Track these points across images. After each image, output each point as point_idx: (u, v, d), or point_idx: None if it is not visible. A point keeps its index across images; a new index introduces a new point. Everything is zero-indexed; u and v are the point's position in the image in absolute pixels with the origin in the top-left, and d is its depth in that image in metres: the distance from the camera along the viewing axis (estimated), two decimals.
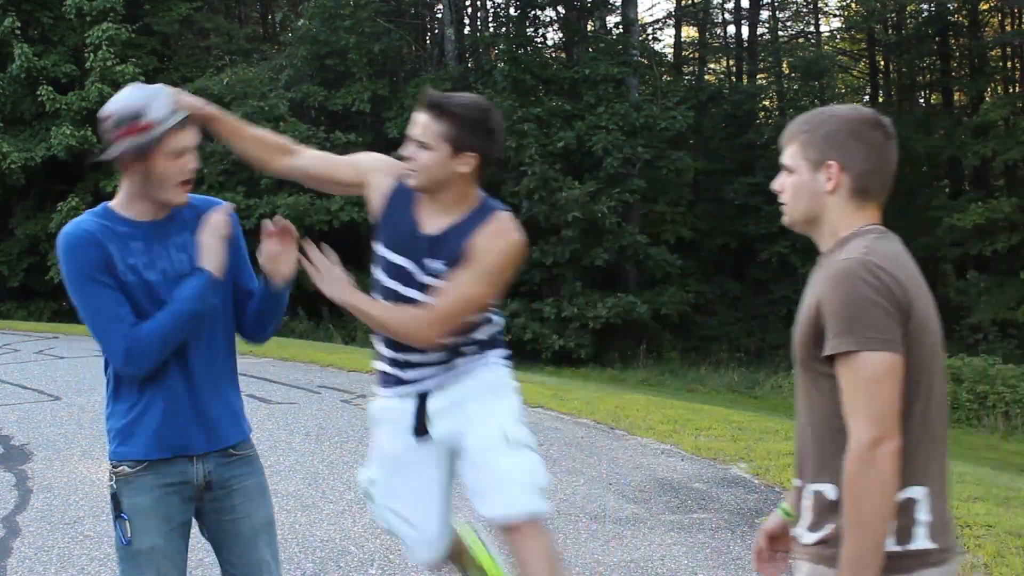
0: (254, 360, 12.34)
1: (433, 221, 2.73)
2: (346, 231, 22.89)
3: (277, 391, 9.58)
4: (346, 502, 5.47)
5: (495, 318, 2.85)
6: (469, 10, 28.92)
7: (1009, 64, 30.01)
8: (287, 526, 4.99)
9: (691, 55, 34.19)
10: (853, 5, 32.29)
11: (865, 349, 1.68)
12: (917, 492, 1.81)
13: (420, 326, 2.66)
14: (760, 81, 29.31)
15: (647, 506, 5.39)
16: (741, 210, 24.90)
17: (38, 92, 22.56)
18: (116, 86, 22.29)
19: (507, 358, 2.90)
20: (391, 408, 2.91)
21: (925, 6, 29.84)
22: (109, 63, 22.26)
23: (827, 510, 1.81)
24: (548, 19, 27.06)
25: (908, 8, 30.40)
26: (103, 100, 21.10)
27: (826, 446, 1.80)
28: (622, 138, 21.41)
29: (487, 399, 2.78)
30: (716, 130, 27.13)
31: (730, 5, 32.34)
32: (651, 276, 23.09)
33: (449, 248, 2.69)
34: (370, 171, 2.85)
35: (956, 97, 30.71)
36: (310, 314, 22.33)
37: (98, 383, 10.54)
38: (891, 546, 1.76)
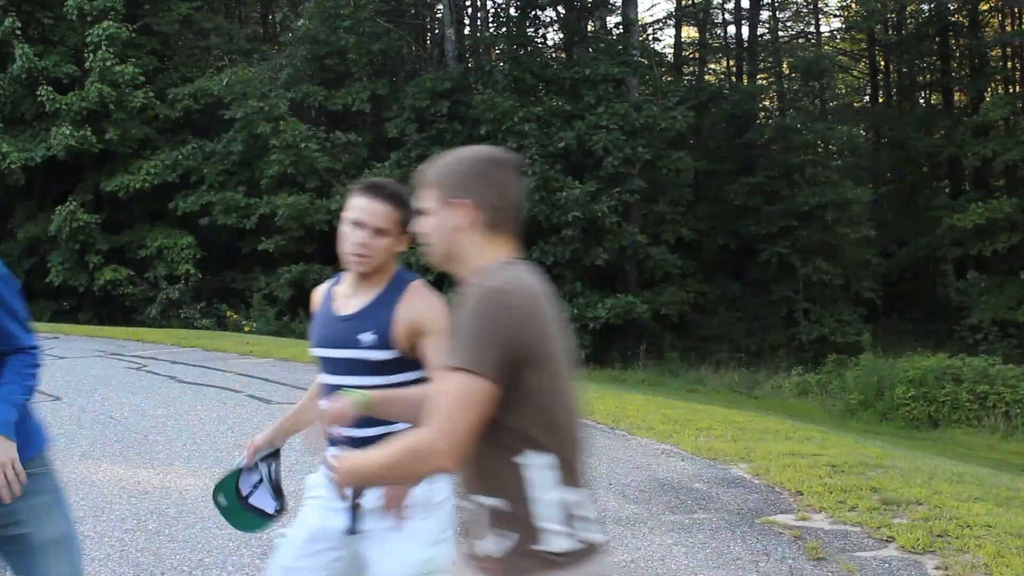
0: (254, 360, 12.34)
1: (347, 303, 2.72)
2: None
3: (277, 391, 9.58)
4: None
5: None
6: (469, 10, 28.91)
7: (1009, 64, 30.01)
8: (287, 526, 4.99)
9: (691, 55, 34.20)
10: (853, 5, 32.31)
11: (462, 369, 1.79)
12: (577, 494, 1.97)
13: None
14: (760, 81, 29.31)
15: (647, 506, 5.39)
16: (741, 210, 24.90)
17: (38, 92, 22.55)
18: (116, 86, 22.42)
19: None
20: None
21: (925, 6, 29.85)
22: (109, 63, 22.25)
23: (504, 522, 1.91)
24: (548, 19, 27.07)
25: (908, 8, 30.42)
26: (103, 100, 21.07)
27: (486, 457, 1.89)
28: (622, 138, 21.40)
29: (410, 525, 2.62)
30: (716, 130, 27.14)
31: (730, 5, 32.36)
32: (651, 276, 23.08)
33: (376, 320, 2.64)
34: None
35: (956, 97, 30.71)
36: (309, 315, 22.32)
37: (99, 383, 10.57)
38: (560, 546, 1.90)
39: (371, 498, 2.66)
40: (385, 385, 2.56)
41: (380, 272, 2.71)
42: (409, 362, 2.63)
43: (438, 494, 2.65)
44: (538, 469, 1.90)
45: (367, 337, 2.64)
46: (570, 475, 1.96)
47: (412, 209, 2.52)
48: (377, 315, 2.65)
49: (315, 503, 2.81)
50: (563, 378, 1.93)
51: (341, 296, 2.76)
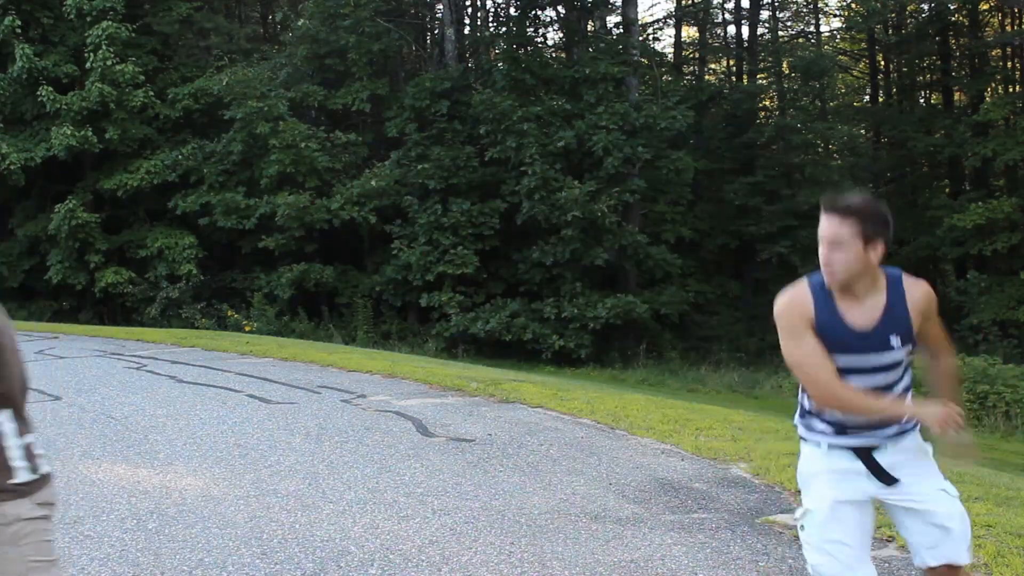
0: (254, 360, 12.35)
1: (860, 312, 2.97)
2: (346, 230, 22.91)
3: (277, 391, 9.58)
4: (346, 502, 5.47)
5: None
6: (469, 10, 28.91)
7: (1009, 64, 30.01)
8: (287, 526, 4.99)
9: (691, 55, 34.20)
10: (853, 5, 32.30)
11: None
12: (31, 438, 2.47)
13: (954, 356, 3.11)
14: (760, 81, 29.30)
15: (647, 506, 5.39)
16: (741, 210, 24.90)
17: (38, 92, 22.55)
18: (117, 86, 22.42)
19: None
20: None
21: (925, 6, 29.85)
22: (109, 62, 22.26)
23: None
24: (548, 19, 27.09)
25: (908, 8, 30.41)
26: (104, 100, 21.07)
27: None
28: (622, 138, 21.40)
29: (925, 460, 3.03)
30: (716, 130, 27.14)
31: (730, 5, 32.36)
32: (651, 276, 23.08)
33: (894, 324, 2.91)
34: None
35: (956, 97, 30.70)
36: (310, 314, 22.34)
37: (99, 383, 10.57)
38: (24, 478, 2.38)
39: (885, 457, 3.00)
40: (901, 374, 2.96)
41: (874, 279, 2.92)
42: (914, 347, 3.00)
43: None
44: (6, 422, 2.45)
45: (897, 341, 2.92)
46: (24, 424, 2.48)
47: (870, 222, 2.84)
48: (898, 318, 2.92)
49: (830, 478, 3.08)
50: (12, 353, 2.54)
51: (848, 309, 2.93)
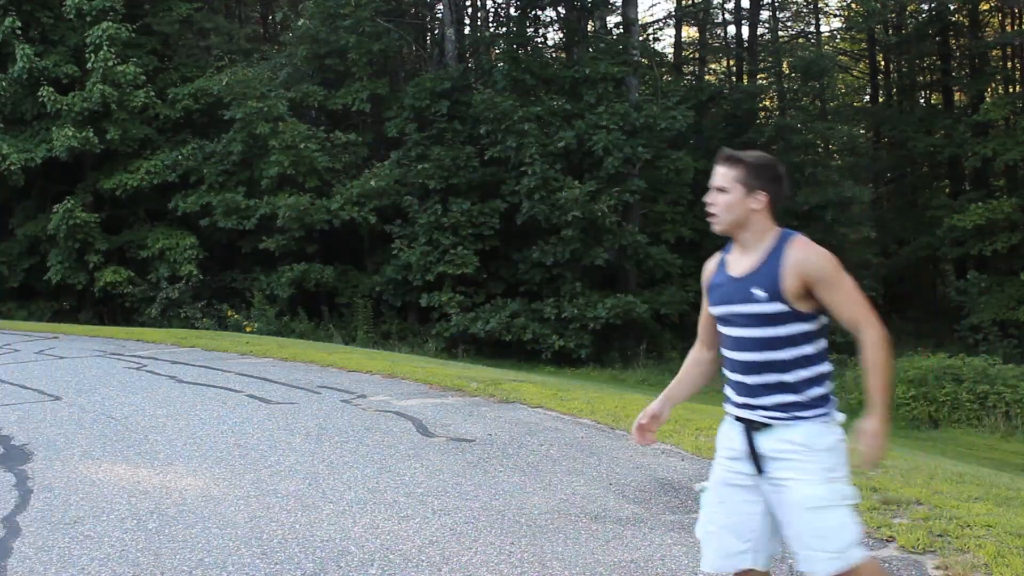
0: (254, 360, 12.35)
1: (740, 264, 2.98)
2: (346, 230, 22.90)
3: (277, 391, 9.58)
4: (346, 502, 5.47)
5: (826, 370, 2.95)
6: (469, 10, 28.92)
7: (1009, 64, 30.03)
8: (287, 526, 4.99)
9: (691, 55, 34.22)
10: (853, 5, 32.31)
11: None
12: None
13: (879, 338, 2.84)
14: (760, 81, 29.32)
15: (647, 506, 5.39)
16: None
17: (39, 93, 22.55)
18: (118, 86, 22.42)
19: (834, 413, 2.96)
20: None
21: (925, 6, 29.86)
22: (111, 63, 22.26)
23: None
24: (548, 19, 27.10)
25: (908, 8, 30.43)
26: (105, 101, 21.07)
27: None
28: (622, 138, 21.40)
29: (809, 462, 2.87)
30: (716, 130, 27.13)
31: (730, 5, 32.40)
32: (651, 276, 23.08)
33: (762, 278, 2.88)
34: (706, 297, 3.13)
35: (956, 97, 30.72)
36: (310, 314, 22.33)
37: (99, 383, 10.56)
38: None
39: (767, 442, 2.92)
40: (778, 336, 2.86)
41: (759, 232, 2.93)
42: (800, 314, 2.86)
43: (829, 437, 2.89)
44: None
45: (759, 293, 2.88)
46: None
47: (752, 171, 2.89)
48: (767, 272, 2.88)
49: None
50: None
51: (733, 261, 3.01)
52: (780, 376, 2.86)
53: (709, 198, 2.97)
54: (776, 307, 2.83)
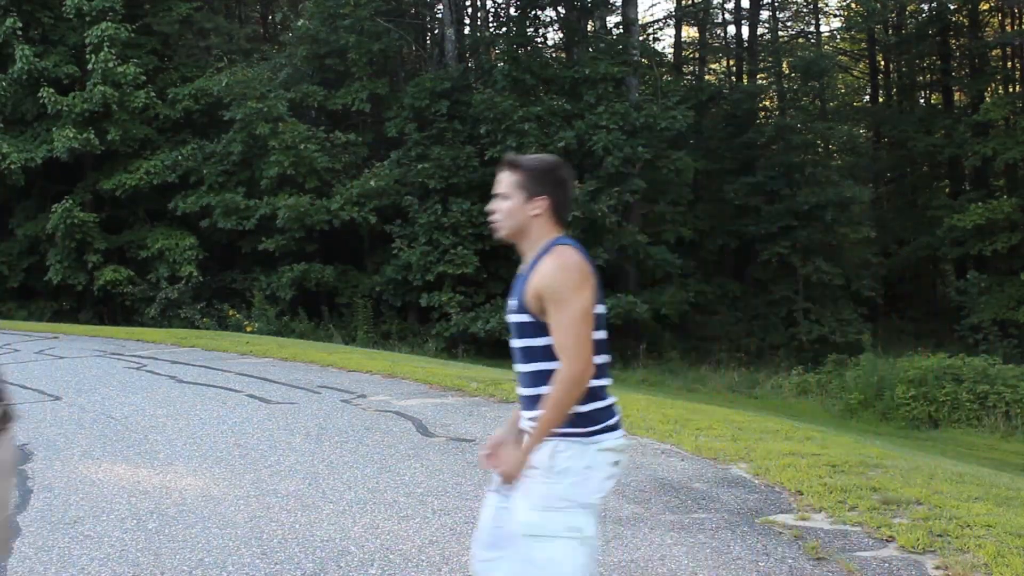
0: (254, 360, 12.35)
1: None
2: (346, 230, 22.90)
3: (277, 391, 9.58)
4: (346, 502, 5.47)
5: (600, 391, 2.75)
6: (469, 10, 28.92)
7: (1009, 64, 30.03)
8: (287, 526, 4.99)
9: (691, 55, 34.22)
10: (853, 5, 32.31)
11: None
12: None
13: (570, 376, 2.65)
14: (760, 81, 29.33)
15: (647, 506, 5.39)
16: (741, 210, 24.91)
17: (39, 94, 22.54)
18: (118, 87, 22.42)
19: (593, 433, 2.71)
20: None
21: (925, 6, 29.87)
22: (111, 63, 22.25)
23: None
24: (548, 19, 27.09)
25: (908, 8, 30.44)
26: (105, 101, 21.01)
27: None
28: (622, 138, 21.40)
29: (547, 480, 2.70)
30: (716, 130, 27.15)
31: (730, 5, 32.39)
32: (651, 276, 23.08)
33: (517, 288, 2.77)
34: None
35: (956, 97, 30.72)
36: (310, 314, 22.33)
37: (99, 383, 10.56)
38: None
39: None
40: (531, 347, 2.74)
41: (537, 240, 2.81)
42: (543, 326, 2.71)
43: (573, 460, 2.69)
44: None
45: (512, 302, 2.81)
46: None
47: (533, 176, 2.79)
48: (520, 281, 2.79)
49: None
50: None
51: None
52: (538, 389, 2.71)
53: (491, 205, 2.87)
54: (524, 317, 2.72)
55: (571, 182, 2.87)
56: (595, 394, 2.71)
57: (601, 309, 2.77)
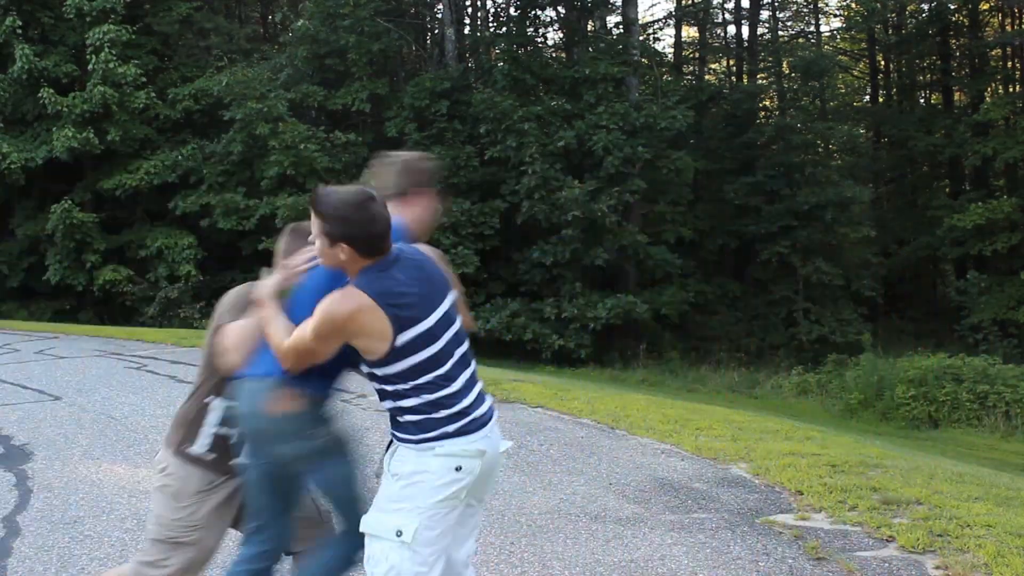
0: None
1: None
2: None
3: None
4: None
5: (432, 396, 2.82)
6: (469, 10, 28.91)
7: (1009, 64, 30.01)
8: None
9: (691, 55, 34.20)
10: (853, 5, 32.31)
11: None
12: None
13: (278, 347, 2.91)
14: (760, 81, 29.31)
15: (647, 506, 5.39)
16: (741, 210, 24.90)
17: (39, 94, 22.54)
18: (118, 87, 22.40)
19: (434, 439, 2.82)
20: None
21: (925, 6, 29.85)
22: (111, 64, 22.24)
23: None
24: (548, 19, 27.08)
25: (908, 8, 30.41)
26: (105, 102, 21.00)
27: None
28: (622, 138, 21.39)
29: (387, 482, 2.87)
30: (716, 130, 27.13)
31: (730, 5, 32.37)
32: (651, 276, 23.07)
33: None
34: None
35: (956, 97, 30.71)
36: None
37: (99, 383, 10.55)
38: None
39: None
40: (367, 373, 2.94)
41: (351, 273, 2.90)
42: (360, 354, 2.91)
43: (405, 465, 2.83)
44: None
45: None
46: None
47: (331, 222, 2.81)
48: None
49: None
50: None
51: None
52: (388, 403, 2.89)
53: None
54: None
55: (378, 212, 2.79)
56: (437, 403, 2.79)
57: (426, 326, 2.80)
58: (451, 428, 2.79)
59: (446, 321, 2.85)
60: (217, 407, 3.21)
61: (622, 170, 21.56)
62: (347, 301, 2.75)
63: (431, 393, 2.79)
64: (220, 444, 3.22)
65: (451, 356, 2.84)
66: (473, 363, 2.94)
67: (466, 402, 2.83)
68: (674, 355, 22.05)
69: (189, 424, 3.25)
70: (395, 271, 2.81)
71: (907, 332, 25.77)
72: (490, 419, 2.90)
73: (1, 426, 7.68)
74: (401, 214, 3.07)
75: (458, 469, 2.78)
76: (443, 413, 2.79)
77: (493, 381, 10.14)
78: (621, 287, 22.21)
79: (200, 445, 3.22)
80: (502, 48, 24.76)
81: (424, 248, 3.04)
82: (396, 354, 2.76)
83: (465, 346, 2.92)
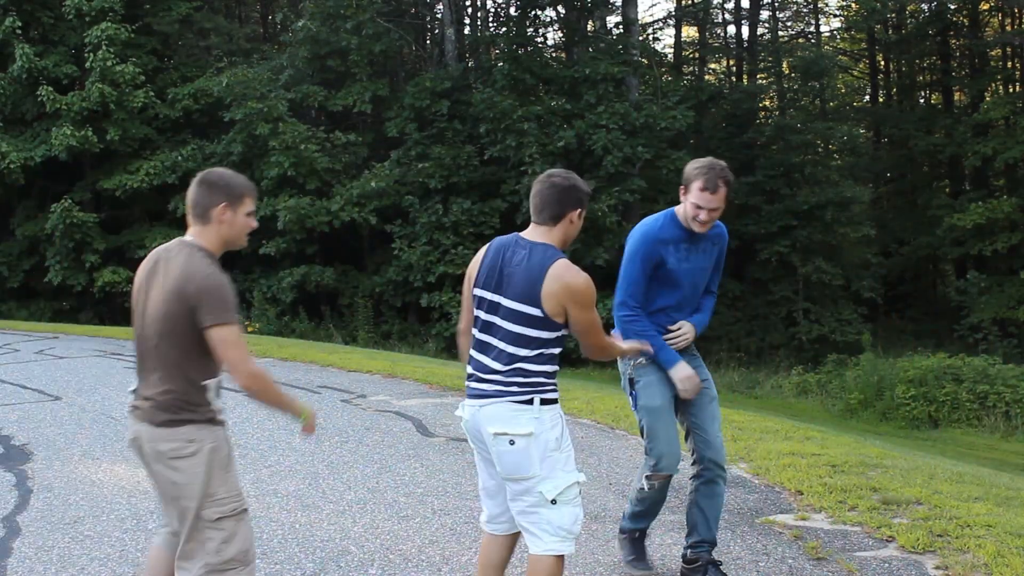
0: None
1: None
2: (347, 231, 22.89)
3: None
4: (346, 502, 5.47)
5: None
6: (469, 10, 28.91)
7: (1009, 64, 30.02)
8: (287, 526, 4.99)
9: (691, 55, 34.19)
10: (853, 5, 32.29)
11: None
12: None
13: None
14: (760, 81, 29.32)
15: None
16: (741, 210, 24.89)
17: (38, 93, 22.54)
18: (117, 86, 22.39)
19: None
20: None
21: (925, 6, 29.85)
22: (110, 63, 22.24)
23: None
24: (548, 19, 27.07)
25: (908, 8, 30.41)
26: (104, 100, 20.92)
27: None
28: (622, 137, 21.39)
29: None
30: (716, 130, 27.12)
31: (730, 5, 32.37)
32: None
33: None
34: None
35: (956, 97, 30.72)
36: (311, 314, 22.32)
37: (99, 383, 10.54)
38: None
39: None
40: None
41: None
42: None
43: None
44: None
45: None
46: None
47: None
48: None
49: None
50: None
51: None
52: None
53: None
54: None
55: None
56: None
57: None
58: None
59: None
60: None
61: (622, 170, 21.56)
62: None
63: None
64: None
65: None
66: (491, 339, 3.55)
67: (469, 369, 3.54)
68: None
69: (200, 393, 3.27)
70: None
71: (907, 332, 25.77)
72: (473, 395, 3.48)
73: (1, 426, 7.68)
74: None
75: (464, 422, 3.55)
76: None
77: None
78: None
79: (217, 410, 3.32)
80: (502, 48, 24.76)
81: None
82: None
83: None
